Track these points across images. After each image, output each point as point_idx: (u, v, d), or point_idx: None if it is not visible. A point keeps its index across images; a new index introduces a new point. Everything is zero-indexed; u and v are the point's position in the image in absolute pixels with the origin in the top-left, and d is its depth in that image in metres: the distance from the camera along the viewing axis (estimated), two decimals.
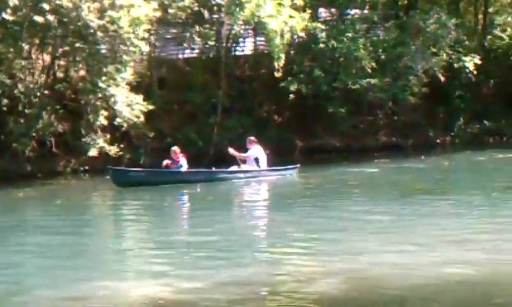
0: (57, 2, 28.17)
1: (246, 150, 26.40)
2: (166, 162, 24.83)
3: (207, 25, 33.96)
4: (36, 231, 17.80)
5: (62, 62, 31.34)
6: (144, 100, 30.21)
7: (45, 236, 16.63)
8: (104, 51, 29.88)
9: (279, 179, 26.06)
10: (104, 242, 16.13)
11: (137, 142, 31.14)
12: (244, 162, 26.10)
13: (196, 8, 32.98)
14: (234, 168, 25.83)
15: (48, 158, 29.67)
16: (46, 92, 30.06)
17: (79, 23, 28.58)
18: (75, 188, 27.28)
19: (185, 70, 35.05)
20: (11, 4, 27.66)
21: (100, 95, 29.37)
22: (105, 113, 29.63)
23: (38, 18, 27.75)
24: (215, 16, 33.98)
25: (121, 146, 30.26)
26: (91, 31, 28.71)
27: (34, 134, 28.75)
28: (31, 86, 29.74)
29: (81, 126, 29.85)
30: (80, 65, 30.49)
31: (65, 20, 28.65)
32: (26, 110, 29.08)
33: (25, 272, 12.52)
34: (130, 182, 23.68)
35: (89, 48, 29.43)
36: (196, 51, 35.71)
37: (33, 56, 30.45)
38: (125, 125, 29.83)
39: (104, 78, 29.29)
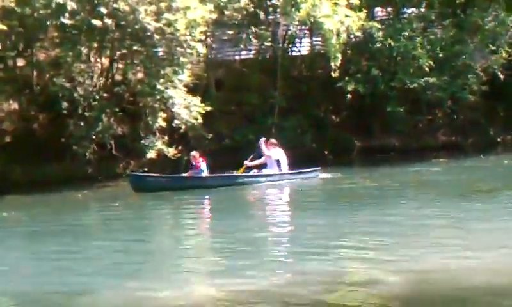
0: (115, 5, 28.45)
1: (259, 154, 26.17)
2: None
3: (263, 26, 33.95)
4: (97, 233, 17.97)
5: (120, 65, 31.59)
6: (201, 101, 30.32)
7: (104, 238, 16.76)
8: (161, 53, 30.08)
9: (302, 182, 25.60)
10: (163, 243, 16.17)
11: (195, 144, 31.20)
12: (265, 166, 25.91)
13: (252, 9, 33.01)
14: (255, 172, 25.66)
15: (108, 160, 29.95)
16: (105, 95, 30.33)
17: (136, 26, 28.80)
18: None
19: (242, 71, 35.12)
20: (69, 8, 27.97)
21: (158, 97, 29.56)
22: (164, 115, 29.85)
23: (96, 22, 28.04)
24: (271, 17, 33.97)
25: (179, 147, 30.45)
26: (148, 33, 28.90)
27: (94, 137, 29.02)
28: (90, 89, 30.01)
29: (140, 129, 30.08)
30: (138, 68, 30.71)
31: (122, 23, 28.90)
32: (86, 113, 29.37)
33: (86, 274, 12.57)
34: (149, 187, 23.37)
35: (147, 51, 29.66)
36: (253, 52, 35.77)
37: (92, 59, 30.73)
38: (183, 126, 29.99)
39: (161, 80, 29.48)
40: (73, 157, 28.70)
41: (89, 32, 28.94)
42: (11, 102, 30.75)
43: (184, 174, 24.78)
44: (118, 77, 31.90)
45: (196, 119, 29.97)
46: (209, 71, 34.29)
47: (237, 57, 36.30)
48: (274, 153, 25.81)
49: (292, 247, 14.13)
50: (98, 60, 31.18)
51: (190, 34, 29.54)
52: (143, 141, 29.71)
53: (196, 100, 30.24)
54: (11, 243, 16.33)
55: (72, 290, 11.29)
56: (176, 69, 29.79)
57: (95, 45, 30.20)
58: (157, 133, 29.92)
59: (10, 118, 30.73)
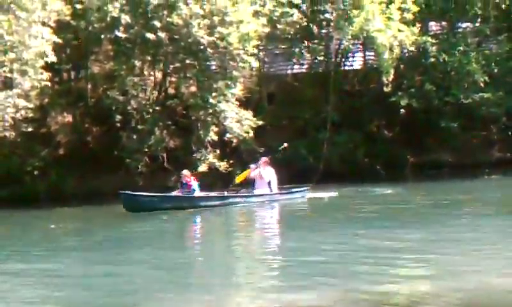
0: (168, 19, 28.66)
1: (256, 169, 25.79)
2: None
3: (316, 40, 33.90)
4: (146, 244, 17.99)
5: (173, 79, 31.74)
6: (253, 115, 30.37)
7: (152, 250, 16.79)
8: (214, 67, 30.18)
9: (289, 202, 25.38)
10: (214, 255, 16.13)
11: (246, 158, 31.17)
12: (253, 184, 25.60)
13: (305, 23, 32.99)
14: (245, 192, 25.32)
15: (160, 173, 30.08)
16: (158, 108, 30.49)
17: (190, 40, 28.96)
18: None
19: (294, 85, 35.05)
20: (123, 21, 28.25)
21: (210, 111, 29.64)
22: (215, 129, 29.90)
23: (150, 36, 28.27)
24: (324, 31, 33.89)
25: (231, 161, 30.45)
26: (202, 47, 29.05)
27: (146, 150, 29.17)
28: (143, 102, 30.21)
29: (192, 142, 30.13)
30: (191, 81, 30.83)
31: (176, 37, 29.10)
32: (139, 126, 29.56)
33: (134, 285, 12.60)
34: (142, 207, 22.62)
35: (200, 65, 29.78)
36: (305, 66, 35.68)
37: (145, 73, 30.94)
38: (234, 140, 30.02)
39: (214, 94, 29.57)
40: (126, 169, 28.86)
41: (142, 45, 29.19)
42: (65, 114, 31.09)
43: (177, 194, 24.12)
44: (170, 91, 32.07)
45: (248, 133, 30.02)
46: (261, 85, 34.30)
47: (289, 71, 36.23)
48: (267, 174, 25.63)
49: (345, 264, 13.90)
50: (152, 73, 31.39)
51: (243, 48, 29.62)
52: (194, 155, 29.77)
53: (248, 113, 30.29)
54: (51, 256, 16.38)
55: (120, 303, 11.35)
56: (229, 83, 29.87)
57: (149, 58, 30.42)
58: (209, 147, 29.94)
59: (64, 130, 31.06)
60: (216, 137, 29.87)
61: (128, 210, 22.61)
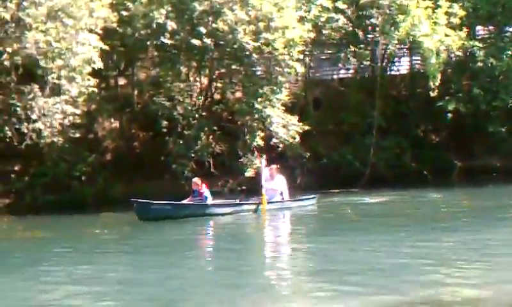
0: (214, 25, 28.74)
1: (266, 178, 24.95)
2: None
3: (362, 45, 33.69)
4: (197, 248, 18.04)
5: (219, 84, 31.84)
6: (299, 120, 30.34)
7: (201, 254, 16.82)
8: (259, 73, 30.23)
9: (299, 209, 24.94)
10: (258, 260, 16.05)
11: (293, 163, 31.16)
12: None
13: (350, 28, 32.88)
14: (256, 200, 24.46)
15: (206, 178, 30.12)
16: (204, 114, 30.62)
17: (235, 46, 29.02)
18: None
19: (340, 90, 34.96)
20: (169, 28, 28.39)
21: (256, 116, 29.69)
22: (262, 134, 29.93)
23: (195, 42, 28.38)
24: (370, 36, 33.73)
25: (277, 166, 30.38)
26: (247, 53, 29.10)
27: (192, 155, 29.26)
28: (189, 107, 30.33)
29: (238, 147, 30.17)
30: (237, 87, 30.90)
31: (221, 42, 29.18)
32: (185, 132, 29.67)
33: (188, 288, 12.59)
34: (154, 216, 21.98)
35: (245, 70, 29.86)
36: (351, 71, 35.55)
37: (191, 79, 31.09)
38: (280, 145, 30.00)
39: (259, 99, 29.61)
40: (172, 174, 28.96)
41: (188, 51, 29.31)
42: (112, 120, 31.32)
43: (190, 202, 23.45)
44: (216, 96, 32.18)
45: (294, 138, 30.01)
46: (307, 91, 34.26)
47: (335, 76, 36.17)
48: (279, 181, 25.13)
49: (395, 271, 13.73)
50: (197, 79, 31.53)
51: (288, 54, 29.63)
52: (241, 160, 29.81)
53: (294, 119, 30.26)
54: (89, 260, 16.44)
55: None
56: (275, 88, 29.89)
57: (194, 64, 30.58)
58: (255, 152, 29.96)
59: (111, 136, 31.30)
60: (262, 142, 29.88)
61: (140, 219, 22.08)
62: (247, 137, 29.95)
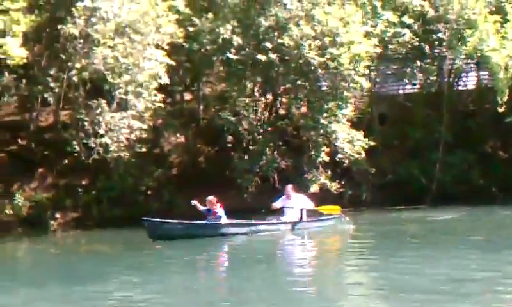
0: (279, 40, 28.77)
1: (278, 197, 24.54)
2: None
3: (428, 60, 33.33)
4: (268, 263, 17.98)
5: (284, 100, 31.87)
6: (365, 136, 30.15)
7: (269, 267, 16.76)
8: (324, 88, 30.11)
9: (319, 229, 24.27)
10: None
11: (358, 179, 30.97)
12: (282, 212, 24.11)
13: (417, 43, 32.53)
14: (274, 220, 23.78)
15: (270, 193, 30.12)
16: (269, 129, 30.64)
17: (301, 61, 29.01)
18: None
19: (406, 105, 34.59)
20: (235, 43, 28.53)
21: (321, 131, 29.58)
22: (327, 149, 29.80)
23: (261, 57, 28.45)
24: (436, 50, 33.33)
25: (342, 182, 30.30)
26: (312, 68, 29.03)
27: (258, 170, 29.30)
28: (254, 123, 30.42)
29: (303, 162, 30.10)
30: (302, 102, 30.85)
31: (287, 58, 29.19)
32: (250, 147, 29.77)
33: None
34: (165, 235, 21.33)
35: (311, 85, 29.78)
36: (417, 86, 35.16)
37: (256, 94, 31.15)
38: (346, 161, 29.84)
39: (325, 114, 29.51)
40: (237, 189, 29.02)
41: (254, 67, 29.39)
42: (178, 135, 31.54)
43: (202, 222, 22.61)
44: (281, 111, 32.21)
45: (359, 153, 29.81)
46: (373, 106, 34.01)
47: (401, 91, 35.80)
48: (298, 200, 24.31)
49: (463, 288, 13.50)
50: (263, 94, 31.56)
51: (354, 69, 29.49)
52: (306, 175, 29.71)
53: (360, 134, 30.08)
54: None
55: None
56: (340, 103, 29.76)
57: (260, 79, 30.62)
58: (320, 167, 29.85)
59: (177, 151, 31.55)
60: (327, 158, 29.76)
61: (151, 237, 21.46)
62: (312, 152, 29.86)
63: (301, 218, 24.00)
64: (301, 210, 24.05)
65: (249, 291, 13.74)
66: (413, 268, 15.38)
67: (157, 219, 22.08)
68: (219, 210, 22.35)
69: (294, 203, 24.10)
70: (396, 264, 16.27)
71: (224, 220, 22.42)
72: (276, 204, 24.09)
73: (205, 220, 22.67)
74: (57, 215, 28.07)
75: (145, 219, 21.78)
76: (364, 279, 15.05)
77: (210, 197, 22.64)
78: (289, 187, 24.59)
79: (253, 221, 23.44)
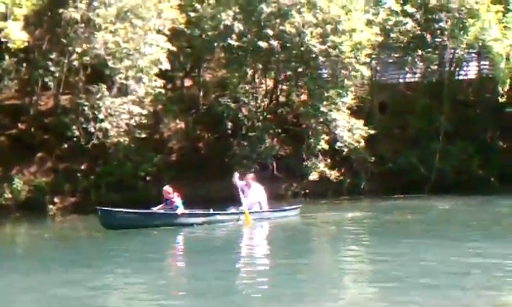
0: (281, 27, 28.70)
1: (242, 189, 23.07)
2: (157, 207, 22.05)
3: (430, 49, 33.29)
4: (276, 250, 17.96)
5: (284, 87, 31.83)
6: (364, 124, 30.13)
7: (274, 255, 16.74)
8: (325, 75, 30.10)
9: (281, 220, 23.01)
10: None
11: (357, 167, 30.99)
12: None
13: (418, 32, 32.47)
14: (233, 210, 22.69)
15: (269, 180, 30.14)
16: (268, 116, 30.64)
17: (302, 48, 28.97)
18: None
19: (407, 94, 34.59)
20: (236, 30, 28.46)
21: (321, 119, 29.61)
22: (326, 137, 29.81)
23: (262, 44, 28.40)
24: (438, 39, 33.27)
25: (342, 170, 30.32)
26: (314, 55, 28.98)
27: (256, 157, 29.28)
28: (254, 109, 30.43)
29: (302, 150, 30.12)
30: (302, 89, 30.82)
31: (288, 45, 29.14)
32: (249, 134, 29.75)
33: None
34: (119, 224, 20.77)
35: (311, 73, 29.76)
36: (418, 75, 35.14)
37: (256, 80, 31.12)
38: (345, 149, 29.84)
39: (325, 102, 29.48)
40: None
41: (255, 53, 29.36)
42: (177, 121, 31.50)
43: (157, 210, 21.98)
44: (281, 98, 32.18)
45: (359, 142, 29.81)
46: (373, 94, 33.95)
47: (401, 80, 35.77)
48: (256, 191, 23.21)
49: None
50: (263, 81, 31.56)
51: (355, 57, 29.46)
52: (305, 163, 29.74)
53: (359, 122, 30.06)
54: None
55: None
56: (340, 91, 29.76)
57: (260, 66, 30.59)
58: (320, 155, 29.86)
59: (176, 137, 31.50)
60: (326, 146, 29.76)
61: (105, 226, 20.91)
62: (311, 140, 29.88)
63: (261, 208, 23.15)
64: (260, 201, 23.15)
65: (197, 281, 13.39)
66: (408, 257, 15.34)
67: (111, 208, 21.59)
68: (176, 200, 21.70)
69: (253, 193, 23.09)
70: (386, 252, 16.16)
71: (180, 210, 21.68)
72: (237, 183, 23.03)
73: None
74: (56, 200, 28.04)
75: (99, 208, 21.34)
76: (340, 267, 14.94)
77: (166, 187, 22.13)
78: (249, 176, 23.68)
79: (211, 211, 22.46)
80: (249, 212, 22.35)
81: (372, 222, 22.73)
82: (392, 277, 12.92)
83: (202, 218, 22.00)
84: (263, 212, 23.13)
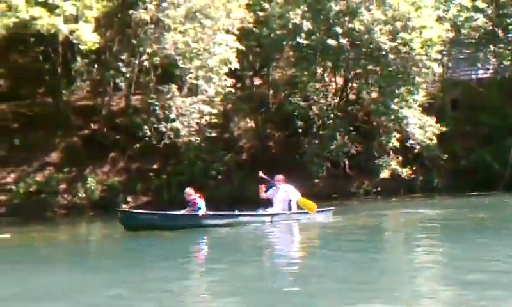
0: (350, 25, 28.58)
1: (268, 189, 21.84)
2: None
3: (502, 45, 32.73)
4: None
5: (354, 85, 31.68)
6: (436, 121, 29.84)
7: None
8: (396, 73, 29.81)
9: (310, 222, 21.54)
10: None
11: (429, 164, 30.67)
12: (270, 203, 21.66)
13: (490, 27, 31.99)
14: (261, 211, 21.56)
15: (341, 178, 30.06)
16: (339, 114, 30.49)
17: (371, 46, 28.81)
18: (362, 209, 26.49)
19: (479, 90, 34.01)
20: (305, 28, 28.43)
21: (392, 117, 29.38)
22: (398, 135, 29.60)
23: (331, 42, 28.29)
24: (510, 35, 32.71)
25: (414, 168, 30.06)
26: (383, 53, 28.79)
27: (327, 155, 29.21)
28: (325, 108, 30.29)
29: (373, 148, 29.96)
30: (372, 87, 30.62)
31: (357, 42, 29.00)
32: (320, 132, 29.69)
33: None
34: (140, 226, 20.28)
35: (381, 70, 29.56)
36: (490, 71, 34.56)
37: (326, 79, 31.03)
38: (417, 146, 29.58)
39: (396, 100, 29.26)
40: (307, 174, 28.97)
41: (324, 51, 29.24)
42: (247, 119, 31.59)
43: (180, 212, 21.38)
44: (351, 96, 32.03)
45: (431, 139, 29.53)
46: (445, 91, 33.54)
47: (473, 77, 35.23)
48: (285, 192, 21.70)
49: None
50: (333, 79, 31.44)
51: (426, 54, 29.18)
52: (376, 161, 29.57)
53: (431, 120, 29.77)
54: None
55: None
56: (411, 88, 29.50)
57: (330, 64, 30.47)
58: (391, 153, 29.66)
59: (246, 136, 31.60)
60: (398, 144, 29.56)
61: (126, 229, 20.42)
62: (382, 138, 29.71)
63: (290, 209, 21.72)
64: (289, 201, 21.72)
65: (213, 286, 12.98)
66: (481, 256, 14.99)
67: (132, 210, 21.57)
68: (199, 201, 20.92)
69: (282, 194, 21.70)
70: (459, 251, 15.84)
71: (202, 211, 20.88)
72: (266, 195, 21.74)
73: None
74: (129, 199, 28.36)
75: (120, 209, 21.23)
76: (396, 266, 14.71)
77: (188, 189, 21.44)
78: (279, 177, 22.06)
79: (236, 212, 21.43)
80: (278, 214, 21.36)
81: (444, 220, 22.33)
82: (465, 278, 12.66)
83: (225, 220, 21.11)
84: (291, 213, 21.75)
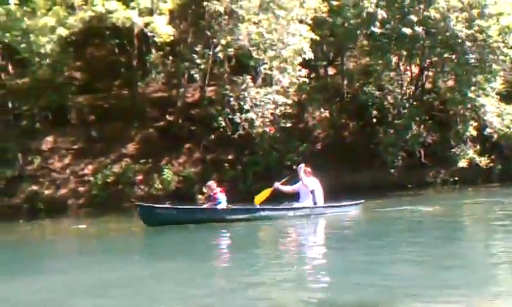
0: (425, 13, 28.25)
1: (295, 181, 21.22)
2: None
3: None
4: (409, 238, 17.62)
5: (430, 73, 31.29)
6: None
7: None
8: (472, 61, 29.34)
9: (337, 216, 20.86)
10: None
11: (508, 153, 30.17)
12: (297, 195, 21.02)
13: None
14: (285, 205, 21.02)
15: (416, 168, 29.74)
16: (415, 103, 30.21)
17: (447, 34, 28.43)
18: (439, 199, 26.12)
19: None
20: (379, 17, 28.18)
21: (469, 105, 28.99)
22: (475, 123, 29.21)
23: (406, 30, 28.01)
24: None
25: (492, 157, 29.61)
26: (460, 40, 28.38)
27: (403, 144, 28.97)
28: (400, 97, 30.05)
29: (450, 137, 29.60)
30: (449, 75, 30.23)
31: (433, 30, 28.64)
32: (395, 121, 29.44)
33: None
34: (158, 221, 19.96)
35: (458, 58, 29.13)
36: None
37: (401, 68, 30.72)
38: (495, 135, 29.15)
39: (472, 88, 28.84)
40: (382, 164, 28.81)
41: (399, 40, 28.97)
42: (322, 109, 31.48)
43: (200, 207, 21.45)
44: (427, 85, 31.64)
45: (509, 127, 29.06)
46: None
47: None
48: (309, 182, 20.90)
49: None
50: (408, 68, 31.12)
51: (503, 41, 28.67)
52: (453, 150, 29.21)
53: (510, 108, 29.29)
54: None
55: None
56: (489, 76, 29.03)
57: (405, 53, 30.15)
58: (468, 142, 29.27)
59: (321, 126, 31.49)
60: (475, 132, 29.18)
61: (145, 224, 20.21)
62: (459, 127, 29.35)
63: (315, 202, 21.02)
64: (313, 194, 20.94)
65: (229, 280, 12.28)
66: None
67: (151, 204, 21.34)
68: (219, 195, 20.67)
69: (313, 185, 21.01)
70: None
71: (223, 205, 20.63)
72: (293, 188, 21.17)
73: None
74: (205, 190, 28.51)
75: (138, 203, 21.25)
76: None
77: (210, 183, 21.32)
78: (306, 169, 21.19)
79: (258, 206, 20.85)
80: (303, 207, 20.83)
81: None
82: None
83: (246, 214, 20.71)
84: (316, 207, 21.05)
